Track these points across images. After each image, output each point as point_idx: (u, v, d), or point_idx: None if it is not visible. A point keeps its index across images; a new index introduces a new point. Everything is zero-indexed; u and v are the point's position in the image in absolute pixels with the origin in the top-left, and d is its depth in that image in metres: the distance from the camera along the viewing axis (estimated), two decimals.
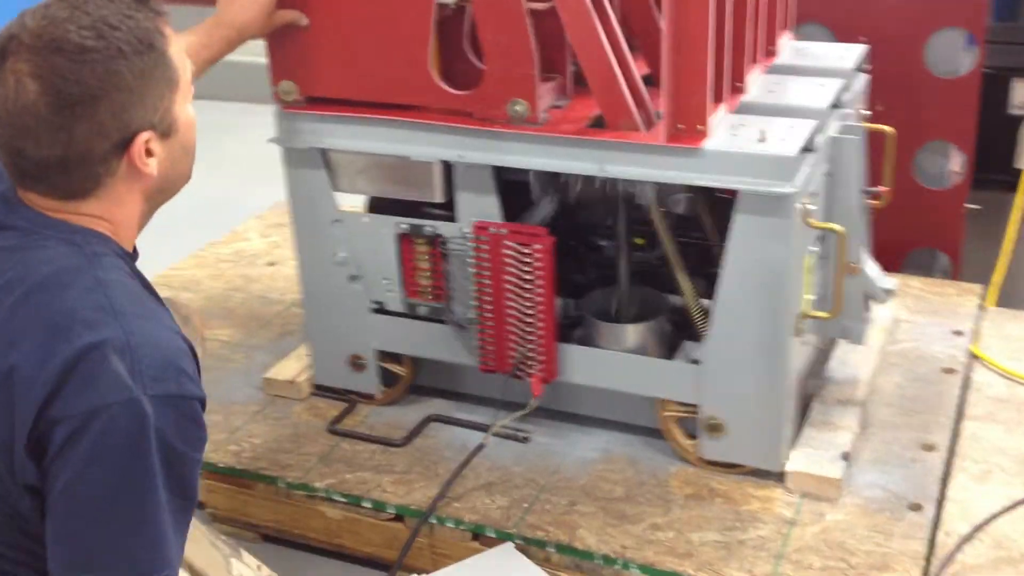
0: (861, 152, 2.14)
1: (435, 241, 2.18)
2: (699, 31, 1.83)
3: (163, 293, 2.94)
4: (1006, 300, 2.79)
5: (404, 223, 2.19)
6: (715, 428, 2.07)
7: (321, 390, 2.44)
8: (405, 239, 2.22)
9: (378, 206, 2.27)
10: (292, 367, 2.49)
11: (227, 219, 3.47)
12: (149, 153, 1.37)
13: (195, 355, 1.34)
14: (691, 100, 1.89)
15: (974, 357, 2.48)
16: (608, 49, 1.92)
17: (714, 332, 2.01)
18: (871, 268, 2.24)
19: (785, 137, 1.89)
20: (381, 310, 2.30)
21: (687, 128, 1.91)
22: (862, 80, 2.38)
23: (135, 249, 1.47)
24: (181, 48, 1.42)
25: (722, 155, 1.88)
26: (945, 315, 2.66)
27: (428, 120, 2.06)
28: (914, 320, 2.64)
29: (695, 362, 2.07)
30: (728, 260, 1.94)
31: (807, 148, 1.96)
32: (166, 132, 1.39)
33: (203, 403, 1.31)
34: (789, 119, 1.98)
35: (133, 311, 1.29)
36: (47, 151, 1.32)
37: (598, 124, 2.00)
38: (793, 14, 2.42)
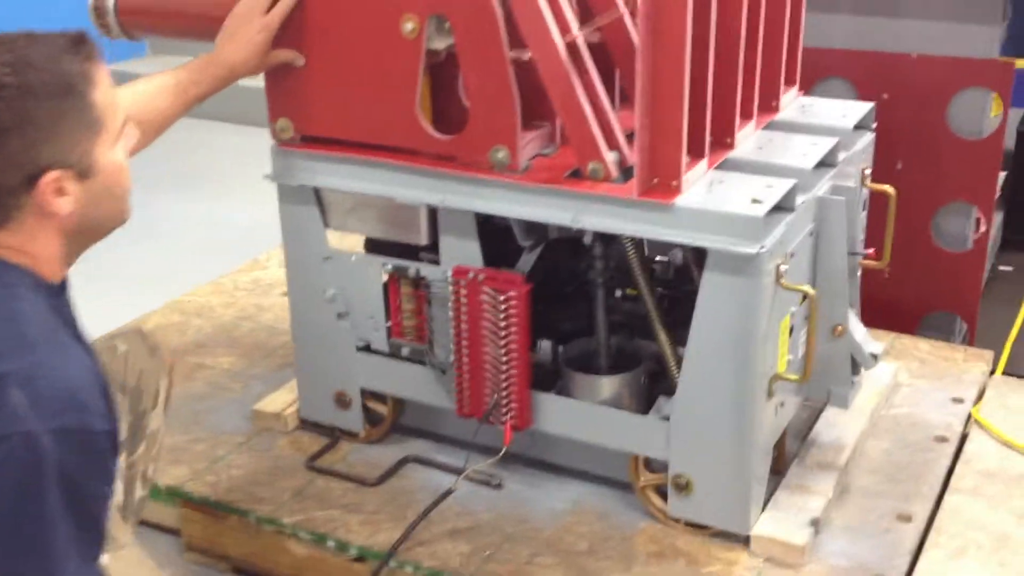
0: (849, 213, 2.10)
1: (419, 283, 2.20)
2: (674, 85, 1.83)
3: (173, 319, 3.06)
4: (1020, 367, 2.72)
5: (390, 264, 2.21)
6: (683, 486, 2.04)
7: (307, 425, 2.47)
8: (391, 279, 2.24)
9: (373, 244, 2.30)
10: (282, 400, 2.52)
11: (257, 246, 3.54)
12: (61, 192, 1.40)
13: (107, 389, 1.37)
14: (665, 155, 1.88)
15: (972, 422, 2.41)
16: (583, 100, 1.93)
17: (683, 389, 1.99)
18: (858, 331, 2.20)
19: (759, 196, 1.88)
20: (367, 348, 2.32)
21: (661, 183, 1.90)
22: (866, 139, 2.34)
23: (64, 281, 1.50)
24: (113, 95, 1.46)
25: (692, 212, 1.86)
26: (948, 381, 2.59)
27: (414, 164, 2.08)
28: (914, 384, 2.58)
29: (667, 418, 2.04)
30: (697, 318, 1.93)
31: (785, 208, 1.94)
32: (84, 174, 1.42)
33: (110, 436, 1.33)
34: (769, 178, 1.97)
35: (44, 344, 1.32)
36: None
37: (577, 174, 2.00)
38: (795, 69, 2.39)
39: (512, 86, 1.95)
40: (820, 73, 2.97)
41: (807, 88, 2.92)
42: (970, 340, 2.95)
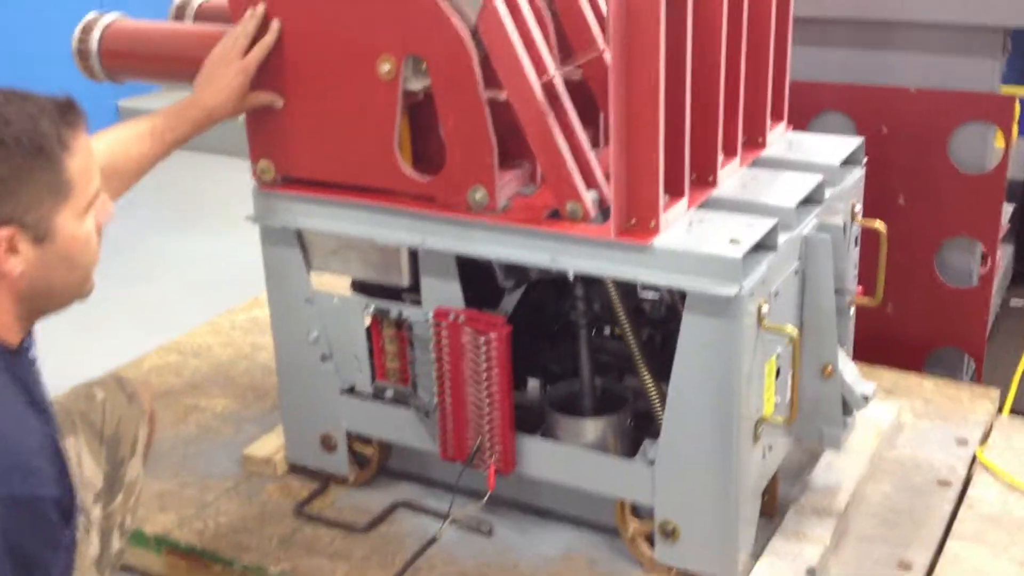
0: (836, 251, 2.06)
1: (402, 325, 2.17)
2: (648, 125, 1.80)
3: (170, 359, 3.05)
4: None
5: (372, 305, 2.19)
6: (670, 533, 1.99)
7: (296, 469, 2.44)
8: (374, 321, 2.22)
9: (359, 285, 2.27)
10: (272, 444, 2.49)
11: (258, 283, 3.53)
12: (12, 250, 1.39)
13: (60, 455, 1.34)
14: (642, 195, 1.85)
15: (977, 465, 2.35)
16: (559, 140, 1.90)
17: (666, 433, 1.95)
18: (849, 371, 2.15)
19: (738, 236, 1.84)
20: (351, 391, 2.29)
21: (639, 223, 1.87)
22: (856, 175, 2.30)
23: (26, 342, 1.48)
24: (89, 166, 1.45)
25: (670, 253, 1.83)
26: (953, 421, 2.53)
27: (394, 204, 2.06)
28: (918, 425, 2.52)
29: (652, 462, 2.00)
30: (678, 361, 1.89)
31: (767, 247, 1.90)
32: (40, 237, 1.41)
33: (59, 503, 1.30)
34: (750, 217, 1.93)
35: None
36: None
37: (557, 215, 1.97)
38: (782, 104, 2.35)
39: (488, 127, 1.93)
40: (816, 107, 2.93)
41: (803, 123, 2.91)
42: (977, 377, 2.89)
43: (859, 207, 2.31)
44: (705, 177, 2.07)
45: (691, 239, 1.86)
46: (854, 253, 2.32)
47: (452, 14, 1.89)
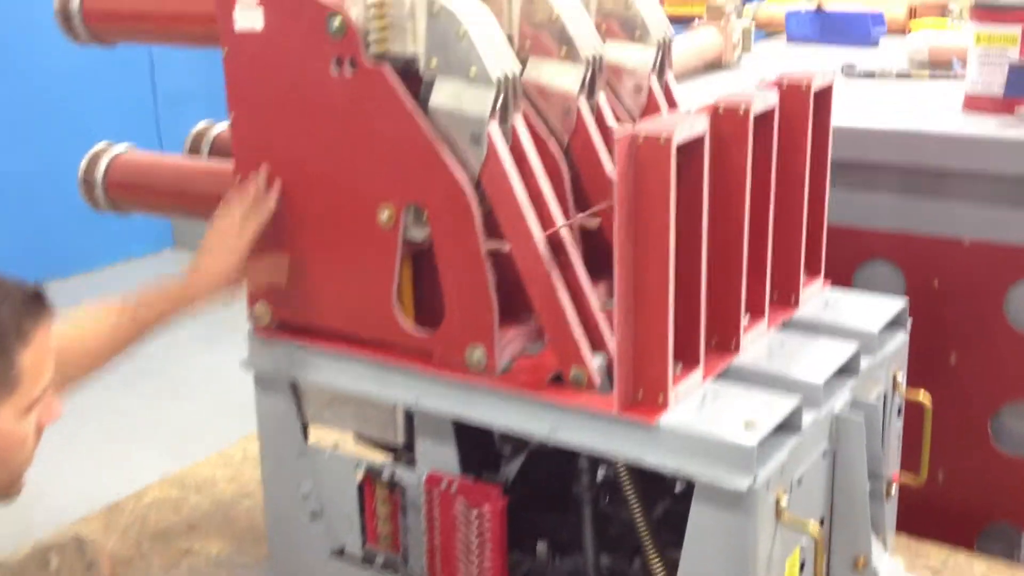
0: (871, 430, 1.87)
1: (394, 487, 2.01)
2: (657, 288, 1.65)
3: (171, 494, 2.91)
4: None
5: (364, 464, 2.04)
6: None
7: None
8: (367, 480, 2.06)
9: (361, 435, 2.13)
10: None
11: None
12: None
13: None
14: (649, 367, 1.69)
15: None
16: (564, 299, 1.76)
17: None
18: (885, 564, 1.93)
19: (754, 419, 1.66)
20: (342, 553, 2.13)
21: (646, 397, 1.70)
22: (898, 340, 2.11)
23: None
24: (43, 365, 1.39)
25: (677, 434, 1.65)
26: None
27: (389, 359, 1.92)
28: None
29: None
30: (686, 552, 1.69)
31: (790, 428, 1.71)
32: None
33: None
34: (773, 393, 1.75)
35: None
36: None
37: (561, 379, 1.81)
38: (819, 258, 2.18)
39: (489, 284, 1.79)
40: (862, 256, 2.75)
41: (848, 272, 2.73)
42: None
43: (902, 376, 2.12)
44: (727, 342, 1.90)
45: (703, 418, 1.68)
46: (896, 426, 2.12)
47: (453, 163, 1.77)
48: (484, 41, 1.73)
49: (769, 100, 1.86)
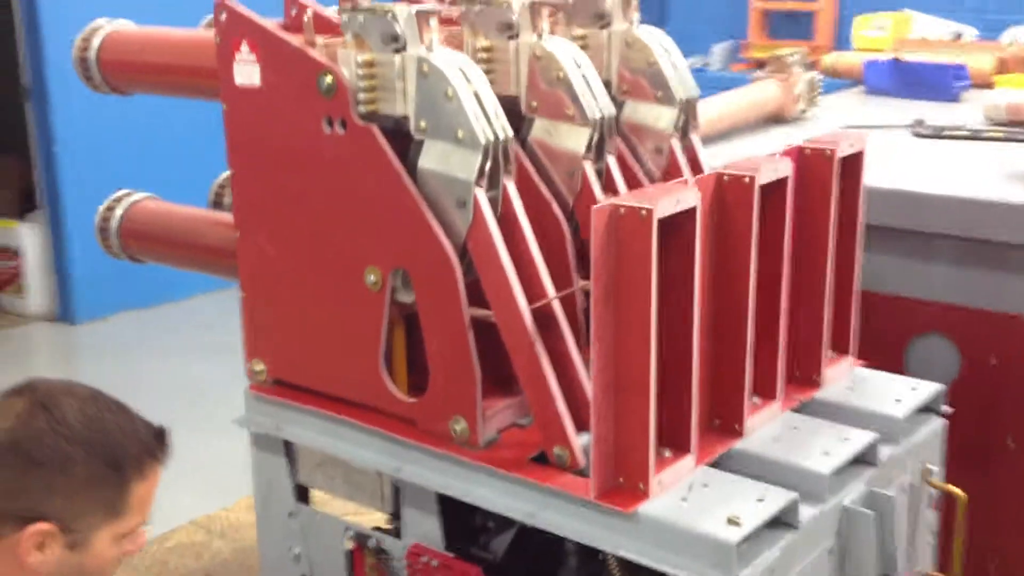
0: (884, 526, 1.72)
1: (380, 556, 1.94)
2: (639, 368, 1.54)
3: (196, 538, 2.90)
4: None
5: (352, 530, 1.97)
6: None
7: None
8: (356, 545, 1.99)
9: None
10: None
11: None
12: (42, 547, 1.39)
13: None
14: (630, 453, 1.58)
15: None
16: (549, 375, 1.66)
17: None
18: None
19: (739, 515, 1.54)
20: None
21: (627, 483, 1.60)
22: (931, 427, 1.96)
23: None
24: (149, 498, 1.50)
25: (654, 526, 1.54)
26: None
27: (374, 425, 1.86)
28: None
29: None
30: None
31: (786, 524, 1.59)
32: (72, 544, 1.42)
33: None
34: (768, 486, 1.62)
35: None
36: None
37: (545, 458, 1.72)
38: (847, 335, 2.04)
39: (471, 353, 1.71)
40: (915, 329, 2.58)
41: (899, 345, 2.57)
42: None
43: (936, 467, 1.96)
44: (731, 424, 1.78)
45: (685, 511, 1.56)
46: (928, 519, 1.96)
47: (438, 227, 1.70)
48: (472, 103, 1.66)
49: (781, 169, 1.75)
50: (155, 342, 5.28)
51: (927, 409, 1.99)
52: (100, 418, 1.47)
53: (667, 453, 1.65)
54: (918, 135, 3.10)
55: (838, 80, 4.40)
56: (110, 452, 1.46)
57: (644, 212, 1.48)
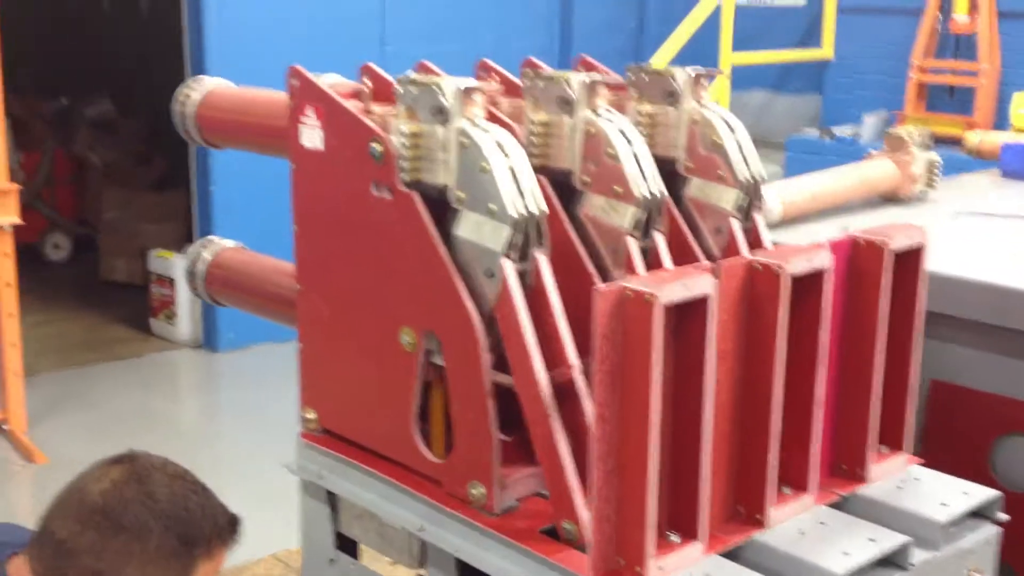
0: None
1: None
2: (638, 452, 1.54)
3: (275, 571, 3.00)
4: None
5: None
6: None
7: None
8: None
9: None
10: None
11: None
12: None
13: None
14: (629, 536, 1.57)
15: None
16: (562, 448, 1.68)
17: None
18: None
19: None
20: None
21: (628, 566, 1.59)
22: (983, 535, 1.86)
23: None
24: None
25: None
26: None
27: (402, 483, 1.91)
28: None
29: None
30: None
31: None
32: None
33: None
34: None
35: None
36: (61, 531, 1.57)
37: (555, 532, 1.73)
38: (900, 430, 1.96)
39: (490, 419, 1.74)
40: (1004, 428, 2.47)
41: (985, 443, 2.46)
42: None
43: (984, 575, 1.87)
44: (753, 513, 1.75)
45: None
46: None
47: (466, 295, 1.75)
48: (507, 177, 1.71)
49: (816, 260, 1.72)
50: (287, 374, 5.49)
51: (982, 515, 1.89)
52: (184, 496, 1.61)
53: (675, 538, 1.63)
54: None
55: (982, 160, 4.24)
56: (185, 530, 1.58)
57: (649, 297, 1.49)
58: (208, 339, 6.12)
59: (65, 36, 8.90)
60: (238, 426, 5.05)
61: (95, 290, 7.11)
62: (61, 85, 8.28)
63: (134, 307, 6.54)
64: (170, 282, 6.21)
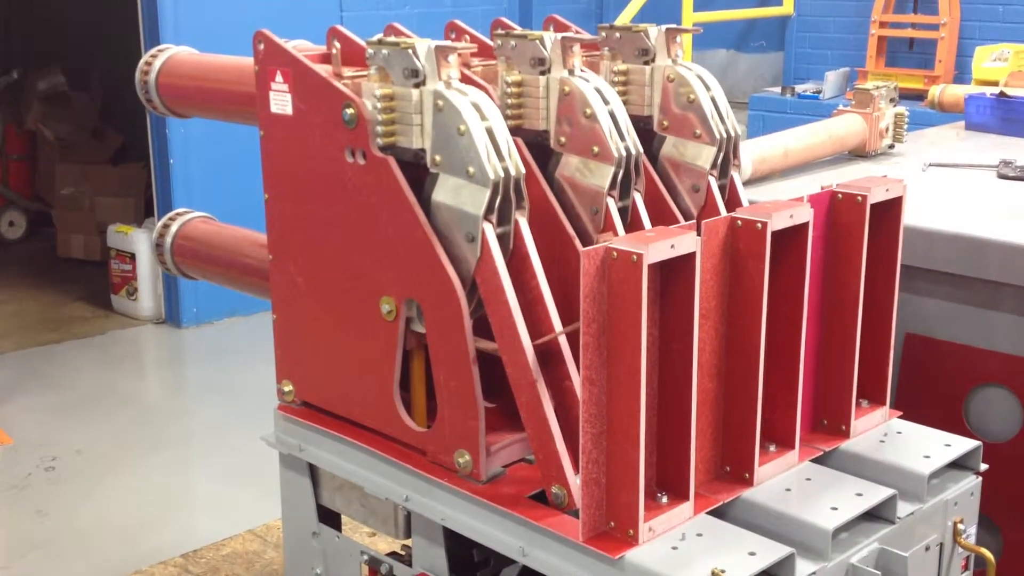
0: None
1: None
2: (628, 414, 1.52)
3: (252, 546, 2.97)
4: None
5: (367, 554, 2.00)
6: None
7: None
8: (370, 570, 2.02)
9: None
10: None
11: None
12: None
13: None
14: (619, 497, 1.56)
15: None
16: (549, 412, 1.66)
17: None
18: None
19: (728, 567, 1.50)
20: None
21: (617, 527, 1.58)
22: (964, 486, 1.87)
23: None
24: None
25: (639, 573, 1.52)
26: None
27: (386, 453, 1.88)
28: None
29: None
30: None
31: None
32: None
33: None
34: (761, 539, 1.58)
35: None
36: None
37: (544, 497, 1.71)
38: (883, 385, 1.97)
39: (475, 387, 1.72)
40: (975, 379, 2.48)
41: (959, 395, 2.48)
42: None
43: (969, 527, 1.88)
44: (741, 471, 1.74)
45: (671, 560, 1.54)
46: None
47: (446, 261, 1.72)
48: (484, 140, 1.67)
49: (798, 215, 1.71)
50: (253, 348, 5.44)
51: (963, 466, 1.91)
52: None
53: (664, 498, 1.62)
54: (1002, 176, 2.97)
55: (945, 114, 4.25)
56: None
57: (635, 257, 1.47)
58: (171, 315, 6.03)
59: (14, 7, 8.69)
60: (205, 402, 4.98)
61: (53, 267, 6.98)
62: (11, 58, 8.08)
63: (94, 284, 6.43)
64: (131, 257, 6.10)
